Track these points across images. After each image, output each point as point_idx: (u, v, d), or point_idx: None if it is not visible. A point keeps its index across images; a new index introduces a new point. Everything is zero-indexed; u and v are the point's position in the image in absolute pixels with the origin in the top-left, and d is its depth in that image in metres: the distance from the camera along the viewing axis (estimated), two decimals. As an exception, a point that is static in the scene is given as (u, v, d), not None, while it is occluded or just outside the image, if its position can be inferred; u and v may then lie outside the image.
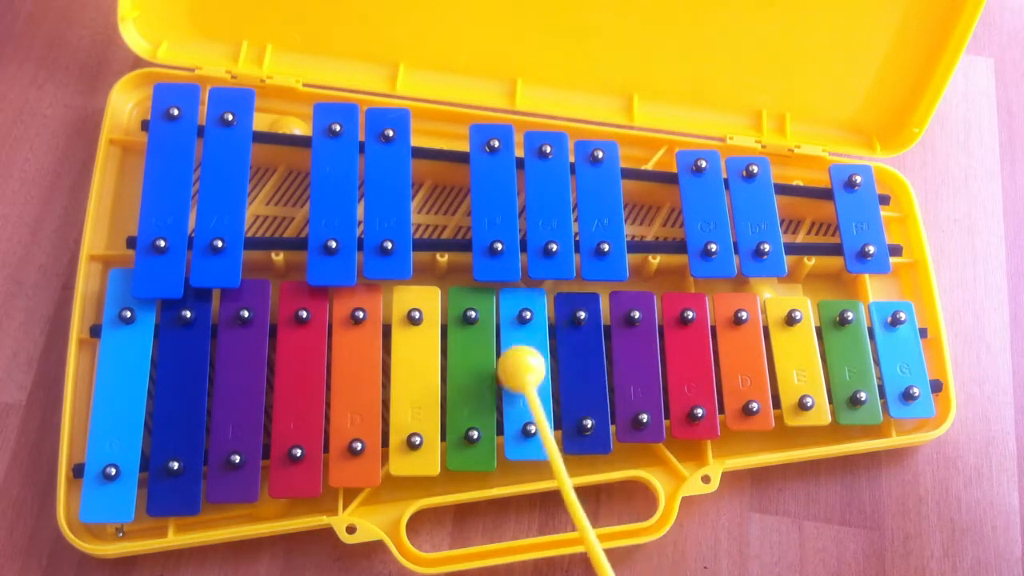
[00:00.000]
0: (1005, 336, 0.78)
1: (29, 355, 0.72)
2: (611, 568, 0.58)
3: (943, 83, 0.76)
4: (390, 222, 0.70)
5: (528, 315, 0.69)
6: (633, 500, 0.70)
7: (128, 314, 0.67)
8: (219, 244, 0.68)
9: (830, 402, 0.69)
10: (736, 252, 0.73)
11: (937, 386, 0.72)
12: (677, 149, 0.77)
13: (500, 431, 0.67)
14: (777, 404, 0.69)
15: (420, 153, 0.74)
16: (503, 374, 0.65)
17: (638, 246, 0.74)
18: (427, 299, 0.69)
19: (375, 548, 0.67)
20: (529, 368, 0.64)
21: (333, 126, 0.73)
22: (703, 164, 0.75)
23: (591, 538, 0.58)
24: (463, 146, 0.75)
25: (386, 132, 0.73)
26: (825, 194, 0.77)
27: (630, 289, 0.71)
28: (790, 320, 0.71)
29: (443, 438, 0.66)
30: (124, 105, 0.78)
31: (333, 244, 0.68)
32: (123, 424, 0.64)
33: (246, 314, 0.67)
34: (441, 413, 0.67)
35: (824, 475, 0.72)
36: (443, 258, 0.72)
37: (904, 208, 0.80)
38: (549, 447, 0.61)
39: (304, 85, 0.78)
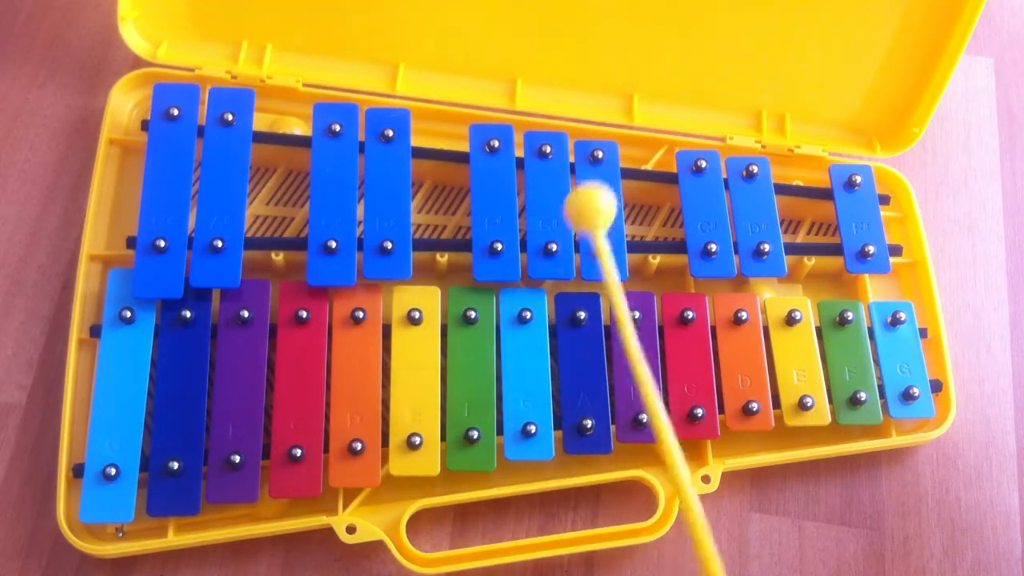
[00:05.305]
0: (1005, 336, 0.77)
1: (29, 355, 0.72)
2: None
3: (943, 83, 0.76)
4: (390, 222, 0.70)
5: (528, 315, 0.69)
6: (633, 500, 0.70)
7: (128, 314, 0.67)
8: (219, 244, 0.68)
9: (830, 402, 0.69)
10: (736, 252, 0.73)
11: (937, 386, 0.72)
12: (677, 149, 0.77)
13: (500, 431, 0.67)
14: (777, 404, 0.69)
15: (420, 153, 0.74)
16: (573, 213, 0.60)
17: (638, 246, 0.74)
18: (427, 299, 0.69)
19: (375, 548, 0.67)
20: (600, 211, 0.60)
21: (333, 126, 0.73)
22: (703, 164, 0.75)
23: None
24: (463, 146, 0.75)
25: (386, 132, 0.73)
26: (825, 194, 0.77)
27: (630, 289, 0.71)
28: (790, 320, 0.71)
29: (443, 438, 0.66)
30: (124, 105, 0.78)
31: (333, 244, 0.68)
32: (123, 424, 0.64)
33: (246, 314, 0.67)
34: (441, 413, 0.67)
35: (824, 475, 0.72)
36: (443, 258, 0.72)
37: (904, 208, 0.80)
38: (610, 281, 0.59)
39: (304, 85, 0.78)
